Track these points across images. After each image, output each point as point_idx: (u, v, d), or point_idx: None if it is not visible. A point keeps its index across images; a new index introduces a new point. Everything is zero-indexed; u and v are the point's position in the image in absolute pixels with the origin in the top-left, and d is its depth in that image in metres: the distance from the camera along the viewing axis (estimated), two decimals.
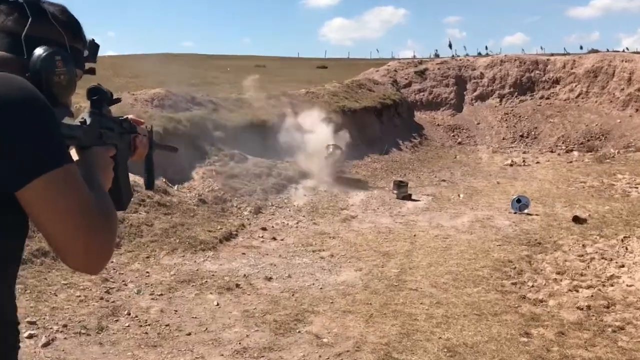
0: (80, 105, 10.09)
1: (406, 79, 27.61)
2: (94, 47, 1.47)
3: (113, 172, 1.52)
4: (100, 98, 1.49)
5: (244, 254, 8.85)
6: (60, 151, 1.18)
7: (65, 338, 5.44)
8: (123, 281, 7.08)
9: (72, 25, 1.40)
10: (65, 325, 5.65)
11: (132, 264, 7.70)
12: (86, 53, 1.46)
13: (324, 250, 9.27)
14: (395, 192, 13.88)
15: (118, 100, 1.59)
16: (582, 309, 6.94)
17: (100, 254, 1.23)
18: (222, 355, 5.44)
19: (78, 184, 1.19)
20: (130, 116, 1.73)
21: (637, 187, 15.82)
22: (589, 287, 7.76)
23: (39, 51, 1.26)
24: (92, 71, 1.50)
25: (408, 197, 13.69)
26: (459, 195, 14.38)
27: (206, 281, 7.45)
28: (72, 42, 1.37)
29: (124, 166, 1.64)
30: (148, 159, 1.90)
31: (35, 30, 1.29)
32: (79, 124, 1.41)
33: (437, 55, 46.72)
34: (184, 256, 8.34)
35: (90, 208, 1.19)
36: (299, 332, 6.07)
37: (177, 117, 12.73)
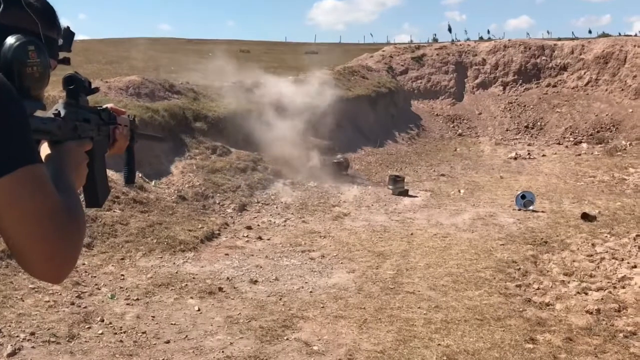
0: (49, 94, 10.03)
1: (402, 65, 27.62)
2: (69, 35, 1.46)
3: (88, 167, 1.50)
4: (76, 87, 1.48)
5: (227, 255, 8.83)
6: (26, 150, 1.15)
7: (33, 347, 5.41)
8: (96, 285, 7.04)
9: (46, 13, 1.39)
10: (32, 333, 5.62)
11: (105, 266, 7.66)
12: (61, 42, 1.45)
13: (314, 250, 9.27)
14: (390, 187, 13.90)
15: (96, 89, 1.57)
16: (591, 312, 6.98)
17: (64, 261, 1.20)
18: None
19: (43, 186, 1.17)
20: (109, 105, 1.71)
21: None
22: (598, 289, 7.79)
23: (10, 40, 1.25)
24: (66, 61, 1.48)
25: (405, 193, 13.71)
26: (459, 191, 14.42)
27: (186, 285, 7.43)
28: (46, 31, 1.36)
29: (101, 160, 1.63)
30: (129, 151, 1.88)
31: (6, 18, 1.27)
32: (52, 116, 1.39)
33: (435, 40, 46.85)
34: (162, 257, 8.31)
35: (55, 212, 1.17)
36: (287, 339, 6.06)
37: (154, 106, 12.67)
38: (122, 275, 7.48)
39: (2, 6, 1.27)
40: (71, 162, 1.41)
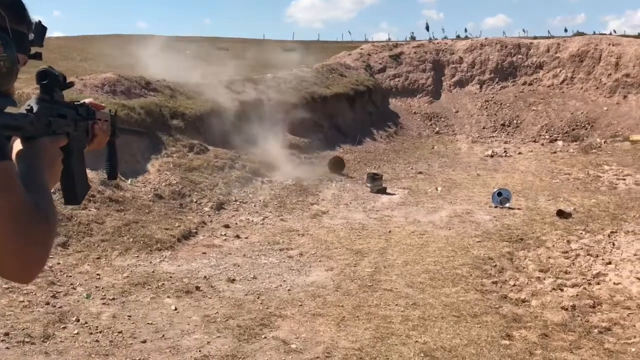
0: (24, 92, 9.90)
1: (380, 63, 27.69)
2: (40, 29, 1.42)
3: (63, 164, 1.48)
4: (50, 82, 1.44)
5: (204, 253, 8.79)
6: None
7: (7, 347, 5.34)
8: (71, 284, 6.97)
9: (14, 6, 1.34)
10: (7, 334, 5.55)
11: (81, 265, 7.58)
12: (32, 36, 1.40)
13: (292, 248, 9.26)
14: (369, 185, 13.93)
15: (71, 84, 1.54)
16: (566, 309, 7.06)
17: (32, 262, 1.18)
18: None
19: (9, 184, 1.14)
20: (88, 100, 1.68)
21: (624, 179, 16.13)
22: (574, 285, 7.89)
23: None
24: (38, 56, 1.44)
25: (383, 191, 13.76)
26: (436, 189, 14.50)
27: (163, 284, 7.38)
28: (14, 25, 1.31)
29: (78, 156, 1.59)
30: (110, 146, 1.86)
31: None
32: (24, 112, 1.35)
33: (413, 38, 46.96)
34: (138, 257, 8.24)
35: (21, 211, 1.14)
36: (265, 337, 6.05)
37: (130, 104, 12.56)
38: (98, 274, 7.41)
39: None
40: (44, 159, 1.38)
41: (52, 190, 1.37)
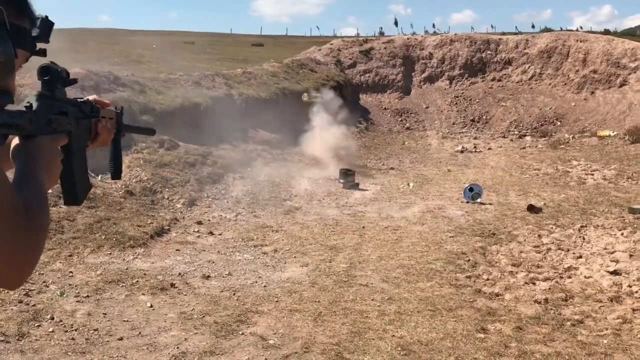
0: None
1: (350, 58, 27.82)
2: (46, 25, 1.38)
3: (64, 163, 1.46)
4: (52, 78, 1.42)
5: (178, 250, 8.79)
6: None
7: None
8: (44, 282, 6.92)
9: (13, 0, 1.30)
10: None
11: (52, 263, 7.53)
12: (36, 32, 1.36)
13: (266, 245, 9.30)
14: (342, 181, 14.02)
15: (74, 80, 1.50)
16: (539, 302, 7.22)
17: (18, 267, 1.16)
18: None
19: None
20: (92, 97, 1.66)
21: (593, 174, 16.49)
22: (546, 279, 8.07)
23: None
24: (42, 52, 1.39)
25: (355, 187, 13.86)
26: (408, 184, 14.65)
27: (137, 281, 7.37)
28: (13, 19, 1.27)
29: (80, 155, 1.56)
30: (115, 145, 1.84)
31: None
32: (23, 109, 1.32)
33: (382, 34, 47.21)
34: (111, 254, 8.21)
35: (7, 211, 1.12)
36: (243, 333, 6.09)
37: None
38: (71, 272, 7.37)
39: None
40: (42, 159, 1.35)
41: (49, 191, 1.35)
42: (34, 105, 1.34)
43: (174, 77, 16.57)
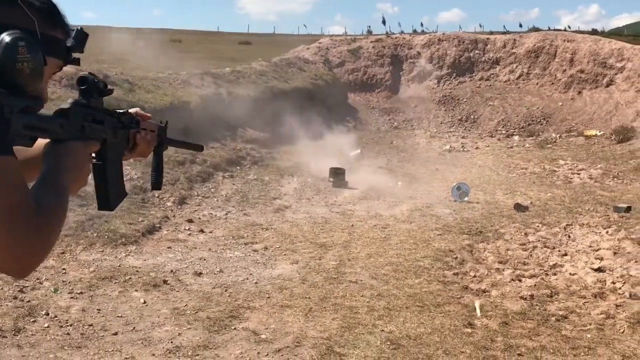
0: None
1: (339, 57, 28.00)
2: (81, 36, 1.49)
3: (97, 170, 1.57)
4: (88, 88, 1.52)
5: (169, 248, 8.93)
6: None
7: None
8: (37, 279, 7.05)
9: (46, 11, 1.42)
10: None
11: (46, 260, 7.63)
12: (71, 42, 1.48)
13: (256, 242, 9.46)
14: (331, 180, 14.19)
15: (110, 91, 1.61)
16: (525, 298, 7.42)
17: (26, 255, 1.23)
18: (154, 355, 5.57)
19: (4, 181, 1.19)
20: (134, 110, 1.77)
21: (579, 174, 16.77)
22: (531, 276, 8.28)
23: (2, 37, 1.28)
24: (76, 61, 1.51)
25: (345, 185, 14.04)
26: (397, 183, 14.85)
27: (130, 278, 7.50)
28: (45, 30, 1.39)
29: (115, 163, 1.65)
30: (157, 157, 1.92)
31: (1, 16, 1.32)
32: (54, 114, 1.42)
33: (370, 32, 47.35)
34: (103, 251, 8.34)
35: (16, 209, 1.19)
36: (235, 328, 6.25)
37: None
38: (64, 269, 7.50)
39: None
40: (68, 162, 1.42)
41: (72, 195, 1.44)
42: (67, 112, 1.45)
43: (162, 75, 16.69)
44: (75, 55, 1.51)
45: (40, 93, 1.39)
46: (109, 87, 1.61)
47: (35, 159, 1.49)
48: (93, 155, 1.58)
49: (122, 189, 1.71)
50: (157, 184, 2.01)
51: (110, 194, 1.64)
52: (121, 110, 1.69)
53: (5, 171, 1.19)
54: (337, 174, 14.26)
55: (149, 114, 1.82)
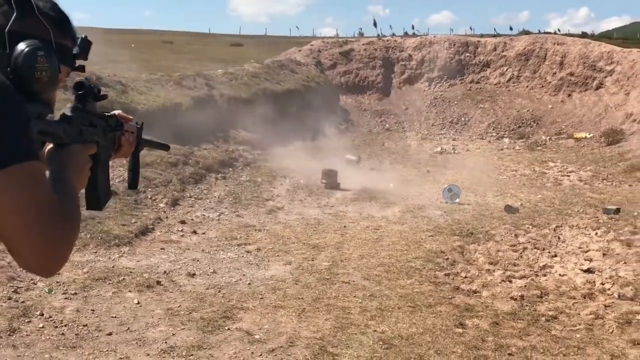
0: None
1: (330, 60, 28.07)
2: (85, 44, 1.54)
3: (90, 171, 1.59)
4: (85, 93, 1.55)
5: (162, 249, 8.96)
6: (19, 147, 1.22)
7: None
8: (31, 280, 7.06)
9: (60, 22, 1.47)
10: None
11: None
12: (76, 50, 1.52)
13: (249, 243, 9.51)
14: (324, 181, 14.25)
15: (105, 96, 1.65)
16: (515, 299, 7.50)
17: (53, 255, 1.26)
18: (149, 355, 5.60)
19: (36, 183, 1.22)
20: (117, 112, 1.80)
21: (569, 176, 16.91)
22: (522, 277, 8.36)
23: (21, 46, 1.33)
24: (81, 68, 1.56)
25: (337, 187, 14.10)
26: (389, 185, 14.93)
27: (123, 278, 7.53)
28: (58, 39, 1.44)
29: (104, 165, 1.69)
30: (134, 157, 1.96)
31: (19, 26, 1.36)
32: (58, 120, 1.47)
33: (361, 35, 47.48)
34: (96, 252, 8.37)
35: (46, 207, 1.23)
36: (229, 329, 6.29)
37: None
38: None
39: (15, 14, 1.35)
40: (73, 165, 1.47)
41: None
42: (69, 117, 1.49)
43: (155, 77, 16.71)
44: (80, 62, 1.56)
45: (51, 100, 1.44)
46: (103, 92, 1.66)
47: None
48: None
49: (109, 189, 1.75)
50: (134, 184, 2.06)
51: (100, 195, 1.68)
52: (108, 113, 1.73)
53: (36, 175, 1.23)
54: (330, 175, 14.32)
55: (130, 116, 1.87)
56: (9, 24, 1.35)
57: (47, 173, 1.41)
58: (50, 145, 1.47)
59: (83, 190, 1.60)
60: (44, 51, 1.33)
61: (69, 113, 1.49)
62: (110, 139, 1.71)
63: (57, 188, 1.32)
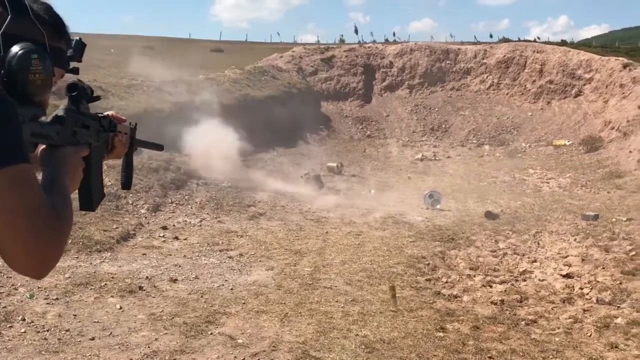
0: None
1: (312, 66, 28.18)
2: (80, 46, 1.56)
3: (84, 172, 1.59)
4: (78, 94, 1.56)
5: (144, 254, 8.97)
6: (9, 149, 1.22)
7: None
8: (12, 285, 7.05)
9: (54, 24, 1.48)
10: None
11: None
12: (71, 52, 1.54)
13: (232, 249, 9.55)
14: (308, 186, 14.38)
15: (98, 98, 1.66)
16: (496, 303, 7.62)
17: (44, 257, 1.26)
18: (132, 359, 5.63)
19: (26, 185, 1.22)
20: (110, 113, 1.82)
21: (548, 182, 17.14)
22: (502, 282, 8.49)
23: (15, 49, 1.34)
24: (75, 70, 1.58)
25: (319, 192, 14.20)
26: (370, 191, 15.05)
27: (105, 284, 7.54)
28: (52, 41, 1.45)
29: (97, 166, 1.69)
30: (127, 158, 1.96)
31: (14, 28, 1.36)
32: (51, 121, 1.45)
33: (342, 41, 47.69)
34: (78, 258, 8.36)
35: (37, 210, 1.22)
36: (212, 333, 6.33)
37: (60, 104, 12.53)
38: None
39: (9, 17, 1.35)
40: (66, 166, 1.46)
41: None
42: (62, 118, 1.48)
43: (136, 82, 16.71)
44: (74, 64, 1.58)
45: (44, 102, 1.45)
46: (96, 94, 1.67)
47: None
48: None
49: (102, 190, 1.75)
50: (127, 184, 2.04)
51: (93, 196, 1.68)
52: (102, 115, 1.74)
53: (26, 178, 1.22)
54: (313, 181, 14.43)
55: (124, 117, 1.89)
56: (3, 27, 1.35)
57: (42, 174, 1.43)
58: (43, 147, 1.47)
59: (76, 191, 1.62)
60: (37, 54, 1.34)
61: (62, 114, 1.49)
62: (103, 140, 1.72)
63: (49, 190, 1.33)
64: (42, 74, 1.35)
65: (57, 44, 1.48)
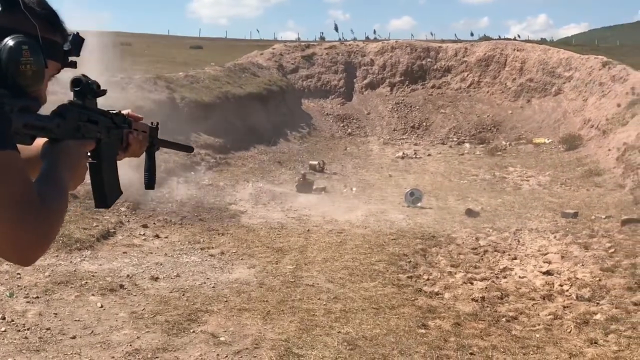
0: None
1: (293, 63, 28.20)
2: (77, 40, 1.55)
3: (93, 168, 1.63)
4: (83, 89, 1.57)
5: (125, 252, 8.96)
6: None
7: None
8: None
9: (47, 17, 1.49)
10: None
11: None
12: (68, 46, 1.54)
13: (213, 247, 9.58)
14: (296, 184, 14.44)
15: (104, 92, 1.67)
16: (477, 300, 7.72)
17: (29, 246, 1.27)
18: (114, 357, 5.64)
19: (10, 172, 1.22)
20: (126, 111, 1.84)
21: (528, 180, 17.33)
22: (483, 279, 8.60)
23: (6, 41, 1.35)
24: (73, 64, 1.58)
25: (307, 190, 14.23)
26: (351, 189, 15.12)
27: (86, 282, 7.53)
28: (46, 34, 1.45)
29: (110, 162, 1.70)
30: (149, 157, 1.99)
31: (5, 21, 1.38)
32: (52, 115, 1.48)
33: (322, 39, 47.73)
34: (57, 256, 8.34)
35: (21, 200, 1.23)
36: (194, 331, 6.35)
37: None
38: (18, 273, 7.47)
39: (1, 9, 1.37)
40: (66, 160, 1.47)
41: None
42: (64, 112, 1.50)
43: (114, 79, 16.59)
44: (72, 58, 1.58)
45: (40, 94, 1.46)
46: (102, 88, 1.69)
47: (34, 159, 1.56)
48: (88, 154, 1.65)
49: (118, 187, 1.76)
50: (150, 184, 2.06)
51: (106, 192, 1.69)
52: (114, 111, 1.75)
53: (12, 164, 1.24)
54: (302, 179, 14.50)
55: (141, 116, 1.90)
56: None
57: (42, 165, 1.44)
58: (46, 140, 1.48)
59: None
60: (28, 45, 1.35)
61: (64, 108, 1.50)
62: (115, 136, 1.73)
63: (42, 180, 1.35)
64: (33, 65, 1.36)
65: (51, 37, 1.49)
